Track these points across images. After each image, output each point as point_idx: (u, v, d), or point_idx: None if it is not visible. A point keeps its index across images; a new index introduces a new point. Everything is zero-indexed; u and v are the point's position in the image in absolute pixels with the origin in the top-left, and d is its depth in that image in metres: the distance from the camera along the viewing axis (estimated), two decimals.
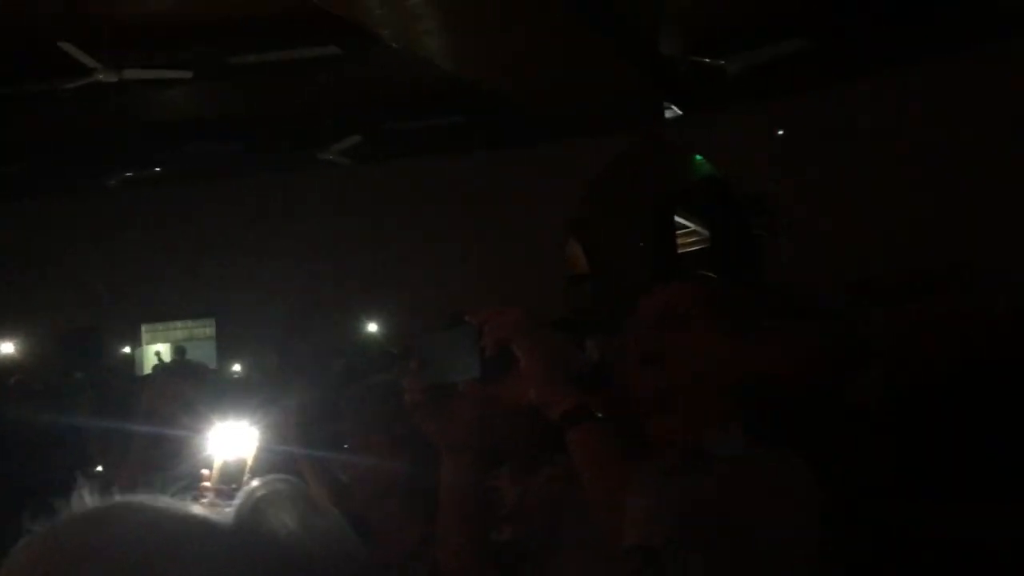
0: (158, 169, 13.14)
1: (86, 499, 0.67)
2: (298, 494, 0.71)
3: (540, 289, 12.44)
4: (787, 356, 2.23)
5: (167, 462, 1.97)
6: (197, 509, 0.68)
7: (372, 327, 12.57)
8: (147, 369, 12.98)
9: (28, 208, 14.14)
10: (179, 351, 13.07)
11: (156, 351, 13.77)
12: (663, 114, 12.31)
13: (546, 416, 1.40)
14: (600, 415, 1.39)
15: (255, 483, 0.71)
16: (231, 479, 1.61)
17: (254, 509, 0.68)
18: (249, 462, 1.64)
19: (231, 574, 0.64)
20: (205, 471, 1.62)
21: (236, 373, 10.59)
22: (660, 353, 1.52)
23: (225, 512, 0.68)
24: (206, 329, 14.93)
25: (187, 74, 8.70)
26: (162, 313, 14.88)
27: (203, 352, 13.61)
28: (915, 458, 2.21)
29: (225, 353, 13.63)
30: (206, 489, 1.60)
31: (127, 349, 14.47)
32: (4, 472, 4.60)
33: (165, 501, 0.68)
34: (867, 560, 1.94)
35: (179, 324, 15.12)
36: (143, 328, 15.06)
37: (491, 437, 1.62)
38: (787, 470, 1.41)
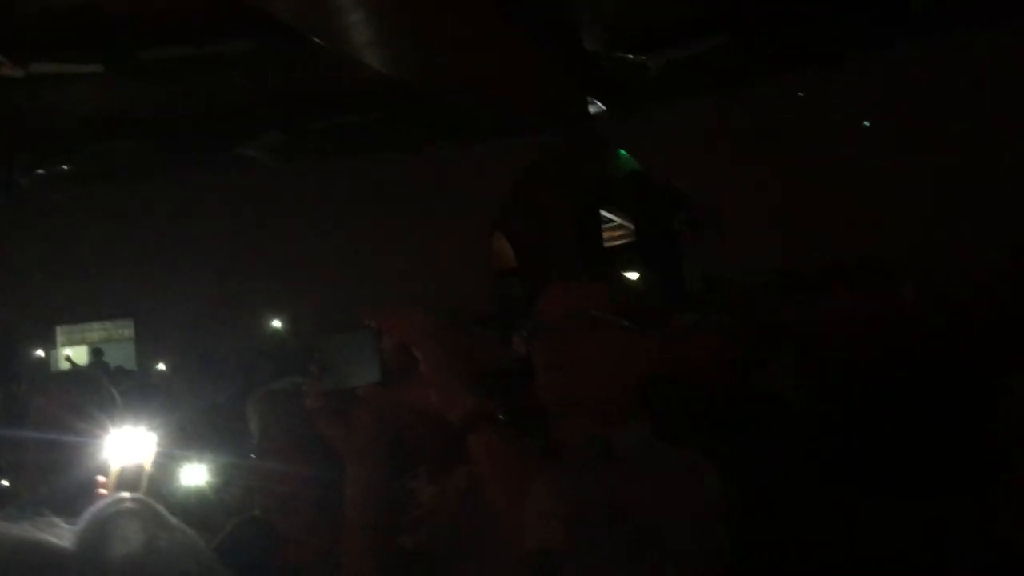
0: (71, 167, 12.69)
1: None
2: (146, 512, 0.69)
3: (468, 286, 12.42)
4: (695, 354, 2.27)
5: (62, 469, 1.91)
6: (36, 533, 0.65)
7: (294, 328, 12.38)
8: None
9: None
10: (96, 353, 12.71)
11: (66, 355, 13.36)
12: (587, 110, 12.39)
13: (448, 419, 1.38)
14: (502, 417, 1.38)
15: (101, 503, 0.69)
16: (129, 485, 1.57)
17: (96, 530, 0.65)
18: (147, 468, 1.60)
19: None
20: (101, 478, 1.57)
21: (161, 373, 10.34)
22: (563, 357, 1.52)
23: (67, 534, 0.65)
24: (124, 330, 14.52)
25: (97, 68, 8.42)
26: (78, 314, 14.42)
27: (122, 353, 13.24)
28: (827, 448, 2.26)
29: (145, 354, 13.27)
30: (101, 496, 1.55)
31: (41, 352, 13.97)
32: None
33: (2, 525, 0.65)
34: (778, 553, 1.97)
35: (96, 325, 14.66)
36: (58, 330, 14.57)
37: (395, 441, 1.60)
38: (691, 468, 1.42)
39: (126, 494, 0.70)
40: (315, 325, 11.74)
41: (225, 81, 9.85)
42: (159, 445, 1.62)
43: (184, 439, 2.65)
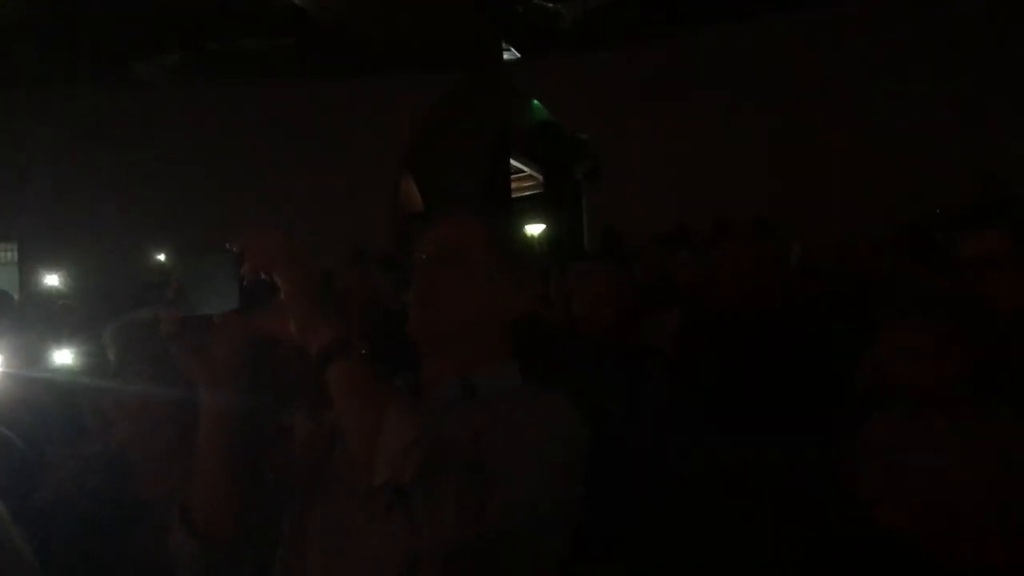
0: None
1: None
2: None
3: (371, 225, 12.26)
4: (582, 301, 2.28)
5: None
6: None
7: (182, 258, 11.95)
8: None
9: None
10: None
11: None
12: (501, 56, 12.25)
13: (306, 349, 1.33)
14: (362, 350, 1.33)
15: None
16: None
17: None
18: None
19: None
20: None
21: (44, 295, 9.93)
22: (433, 294, 1.49)
23: None
24: (7, 253, 13.89)
25: None
26: None
27: (6, 276, 12.69)
28: (704, 392, 2.30)
29: (29, 279, 12.71)
30: None
31: None
32: None
33: None
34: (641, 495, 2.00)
35: None
36: None
37: (259, 372, 1.54)
38: (548, 407, 1.41)
39: None
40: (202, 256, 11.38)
41: None
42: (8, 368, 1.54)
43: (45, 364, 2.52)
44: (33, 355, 2.09)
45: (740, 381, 2.13)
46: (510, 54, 12.34)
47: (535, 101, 13.48)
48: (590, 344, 2.23)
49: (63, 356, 2.42)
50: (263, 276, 1.32)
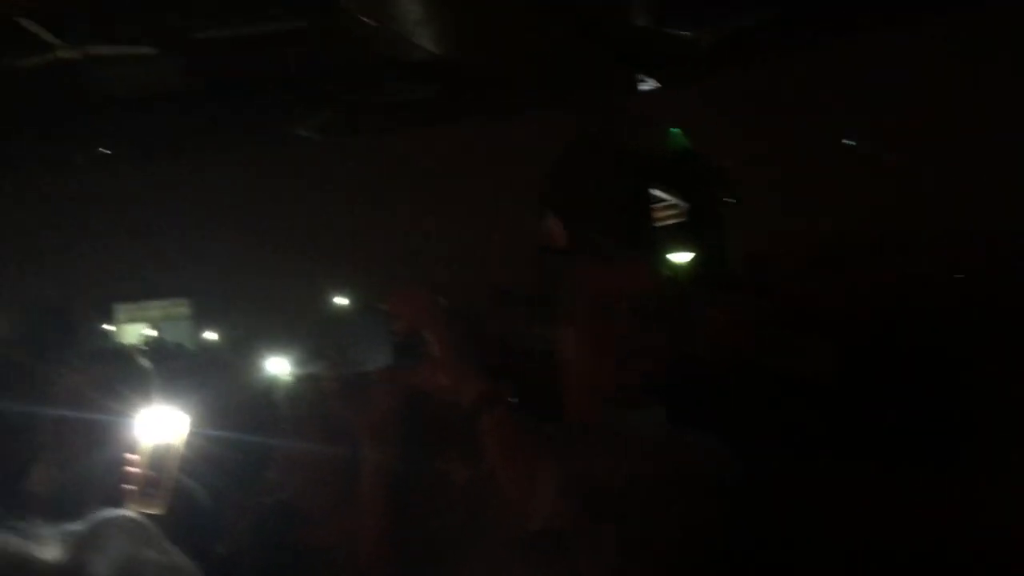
0: (126, 145, 12.94)
1: None
2: (137, 530, 0.68)
3: (516, 264, 12.40)
4: (716, 338, 2.23)
5: (89, 448, 1.95)
6: (20, 545, 0.63)
7: (345, 305, 12.50)
8: None
9: None
10: (154, 331, 12.98)
11: (142, 332, 13.60)
12: (636, 87, 12.25)
13: (458, 402, 1.38)
14: (512, 400, 1.37)
15: (91, 518, 0.67)
16: (159, 465, 1.59)
17: (82, 546, 0.64)
18: (178, 448, 1.61)
19: None
20: (131, 456, 1.59)
21: (210, 350, 10.53)
22: (587, 341, 1.50)
23: (54, 546, 0.64)
24: (181, 308, 14.81)
25: (150, 49, 8.56)
26: (136, 293, 14.75)
27: (179, 332, 13.50)
28: (858, 430, 2.20)
29: (201, 333, 13.53)
30: (132, 475, 1.58)
31: (101, 329, 14.34)
32: None
33: None
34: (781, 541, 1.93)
35: (154, 303, 14.98)
36: (117, 308, 14.92)
37: (415, 424, 1.60)
38: (700, 452, 1.40)
39: (156, 508, 0.69)
40: (363, 304, 11.87)
41: (276, 59, 9.95)
42: (193, 425, 1.63)
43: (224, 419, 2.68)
44: (212, 407, 2.23)
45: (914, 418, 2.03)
46: (647, 84, 12.31)
47: (674, 129, 13.39)
48: (737, 379, 2.18)
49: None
50: (414, 333, 1.38)
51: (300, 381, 1.92)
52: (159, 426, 1.62)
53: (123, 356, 2.16)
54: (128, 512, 0.69)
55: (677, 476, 1.34)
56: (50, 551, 0.63)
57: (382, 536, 1.50)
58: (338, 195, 13.40)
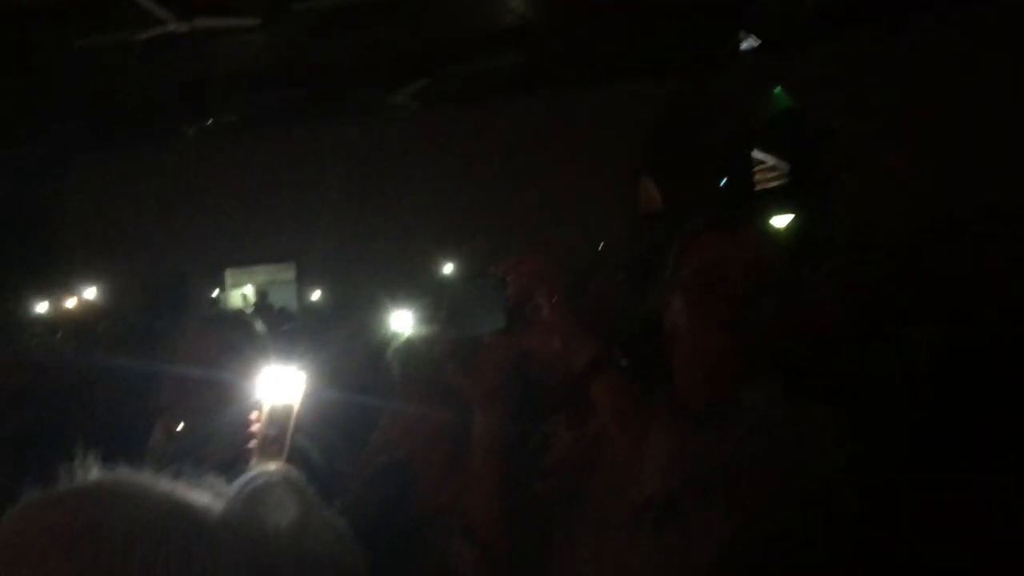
0: (233, 117, 13.34)
1: (85, 471, 0.66)
2: (297, 488, 0.69)
3: (614, 230, 12.34)
4: (827, 308, 2.17)
5: (214, 406, 2.03)
6: (189, 495, 0.65)
7: (446, 272, 12.66)
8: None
9: (111, 159, 14.60)
10: (261, 295, 13.42)
11: (242, 293, 14.10)
12: (739, 47, 11.94)
13: (572, 366, 1.39)
14: (624, 365, 1.37)
15: (253, 473, 0.69)
16: (278, 424, 1.65)
17: (247, 502, 0.65)
18: (296, 407, 1.67)
19: (211, 570, 0.61)
20: (254, 415, 1.66)
21: (316, 312, 10.85)
22: (703, 314, 1.48)
23: (219, 499, 0.66)
24: (286, 273, 15.27)
25: (255, 21, 8.77)
26: (244, 258, 15.26)
27: (285, 295, 13.92)
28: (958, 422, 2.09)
29: (305, 297, 13.95)
30: (254, 433, 1.65)
31: (213, 293, 14.94)
32: (94, 414, 4.83)
33: (157, 484, 0.65)
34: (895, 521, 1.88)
35: (261, 268, 15.49)
36: (227, 272, 15.49)
37: (530, 387, 1.62)
38: (817, 428, 1.38)
39: (276, 465, 0.71)
40: (463, 270, 12.02)
41: (374, 29, 10.06)
42: (309, 384, 1.69)
43: (339, 378, 2.76)
44: (326, 368, 2.31)
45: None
46: (749, 43, 11.99)
47: (777, 90, 13.01)
48: (847, 353, 2.12)
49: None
50: (526, 298, 1.39)
51: (413, 345, 1.95)
52: (278, 385, 1.67)
53: (243, 319, 2.23)
54: (288, 470, 0.71)
55: (791, 452, 1.32)
56: (218, 503, 0.65)
57: (492, 498, 1.53)
58: (436, 162, 13.55)
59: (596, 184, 12.92)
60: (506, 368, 1.48)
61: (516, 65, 11.64)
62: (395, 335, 2.39)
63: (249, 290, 14.17)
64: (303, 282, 14.67)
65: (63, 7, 8.53)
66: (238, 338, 2.15)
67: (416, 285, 11.09)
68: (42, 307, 11.26)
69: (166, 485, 0.66)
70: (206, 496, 0.66)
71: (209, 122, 13.40)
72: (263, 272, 15.38)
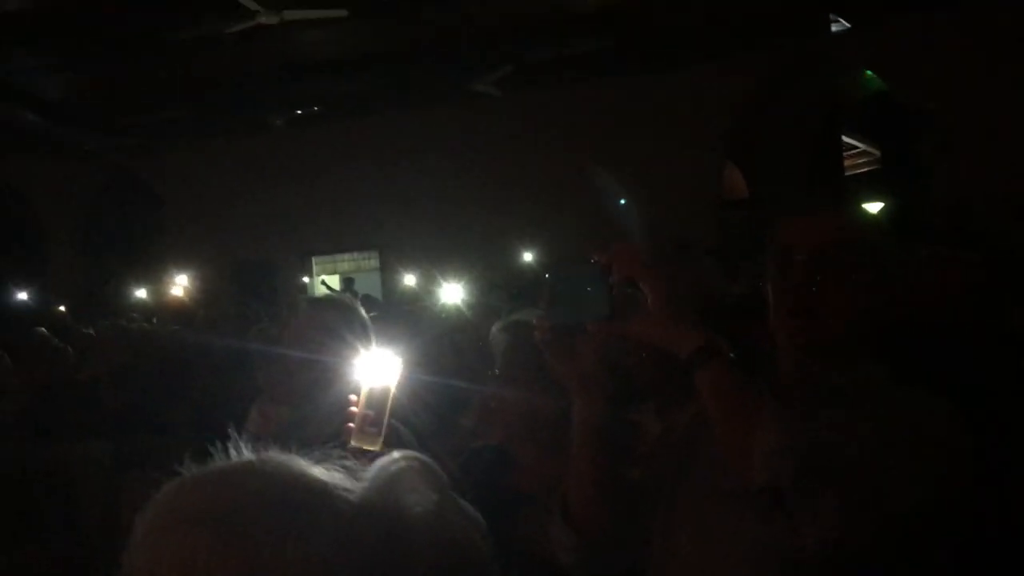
0: (320, 106, 13.57)
1: (236, 451, 0.68)
2: (432, 475, 0.70)
3: (695, 215, 12.19)
4: (933, 291, 2.10)
5: (316, 388, 2.08)
6: (330, 476, 0.66)
7: (528, 258, 12.69)
8: None
9: (200, 149, 15.04)
10: (347, 282, 13.67)
11: (322, 280, 14.42)
12: (827, 26, 11.61)
13: (675, 354, 1.38)
14: (730, 353, 1.36)
15: (391, 457, 0.70)
16: (376, 406, 1.69)
17: (385, 486, 0.67)
18: (392, 390, 1.71)
19: (351, 552, 0.62)
20: (353, 397, 1.71)
21: (405, 297, 11.01)
22: (807, 299, 1.45)
23: (358, 482, 0.67)
24: (371, 261, 15.53)
25: (342, 12, 8.90)
26: (330, 246, 15.57)
27: (369, 283, 14.17)
28: None
29: (389, 284, 14.16)
30: (353, 413, 1.69)
31: (302, 279, 15.30)
32: (191, 395, 5.01)
33: (301, 465, 0.67)
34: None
35: (346, 256, 15.79)
36: (313, 260, 15.83)
37: (620, 375, 1.62)
38: (929, 414, 1.34)
39: (407, 452, 0.72)
40: (546, 256, 12.04)
41: (458, 16, 10.11)
42: (403, 368, 1.73)
43: (428, 363, 2.80)
44: (423, 352, 2.35)
45: None
46: (838, 25, 11.66)
47: (868, 72, 12.62)
48: (955, 339, 2.05)
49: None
50: (630, 285, 1.39)
51: (512, 331, 1.96)
52: (375, 368, 1.71)
53: (348, 304, 2.28)
54: (421, 455, 0.72)
55: (904, 439, 1.29)
56: (356, 488, 0.66)
57: (592, 484, 1.54)
58: (520, 148, 13.56)
59: (681, 169, 12.76)
60: (605, 356, 1.48)
61: (601, 49, 11.56)
62: (486, 320, 2.41)
63: (329, 279, 14.47)
64: (387, 270, 14.90)
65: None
66: (343, 323, 2.20)
67: (499, 271, 11.19)
68: (141, 292, 11.69)
69: (310, 467, 0.67)
70: (347, 479, 0.67)
71: (297, 111, 13.66)
72: (349, 260, 15.68)
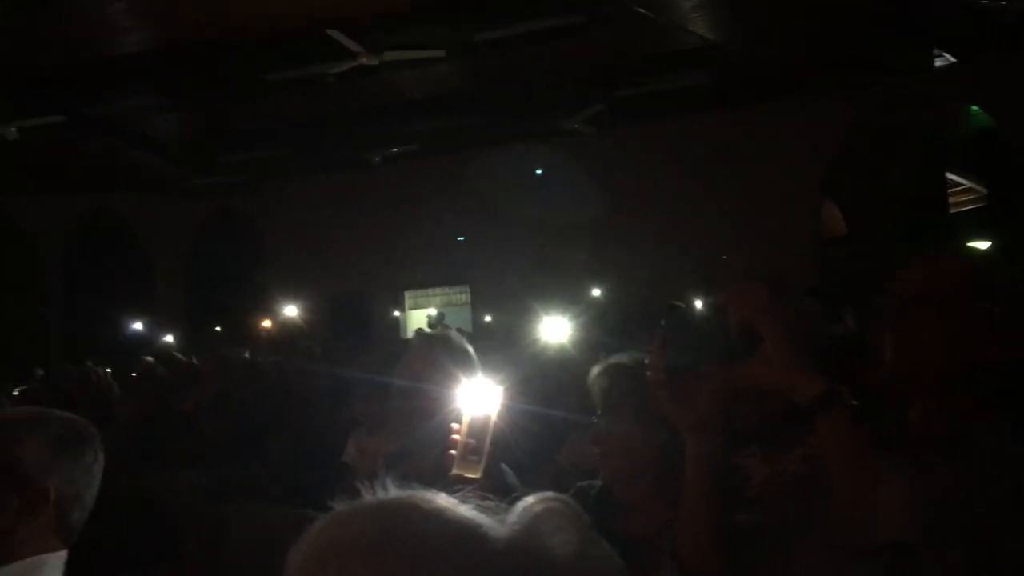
0: (415, 144, 13.84)
1: (383, 487, 0.69)
2: (575, 517, 0.69)
3: (792, 254, 11.95)
4: None
5: (422, 419, 2.10)
6: (476, 515, 0.67)
7: (616, 296, 12.61)
8: (410, 331, 13.84)
9: (300, 186, 15.49)
10: (439, 316, 13.83)
11: (428, 315, 14.54)
12: (931, 62, 11.31)
13: (793, 400, 1.35)
14: (853, 401, 1.31)
15: (532, 499, 0.70)
16: (478, 435, 1.70)
17: (532, 527, 0.66)
18: (493, 418, 1.72)
19: None
20: (455, 425, 1.72)
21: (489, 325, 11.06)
22: (918, 340, 1.40)
23: (501, 522, 0.67)
24: (461, 295, 15.67)
25: (440, 53, 9.09)
26: (422, 280, 15.78)
27: (459, 317, 14.29)
28: None
29: (479, 318, 14.26)
30: (455, 443, 1.70)
31: (394, 313, 15.56)
32: (289, 426, 5.11)
33: (448, 504, 0.67)
34: None
35: (437, 291, 15.98)
36: (406, 294, 16.07)
37: (733, 419, 1.59)
38: None
39: (549, 493, 0.71)
40: (635, 294, 11.94)
41: (551, 56, 10.21)
42: (504, 398, 1.73)
43: (526, 396, 2.79)
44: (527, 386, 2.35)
45: None
46: (942, 60, 11.34)
47: (973, 107, 12.23)
48: None
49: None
50: (747, 328, 1.36)
51: (618, 368, 1.94)
52: (477, 397, 1.72)
53: (454, 340, 2.30)
54: (563, 496, 0.72)
55: (1019, 495, 1.22)
56: (501, 527, 0.66)
57: (704, 528, 1.50)
58: (612, 184, 13.54)
59: (778, 206, 12.54)
60: (720, 398, 1.45)
61: (696, 85, 11.50)
62: (587, 358, 2.39)
63: (420, 313, 14.63)
64: (478, 305, 15.02)
65: (264, 43, 9.15)
66: (455, 359, 2.22)
67: (590, 308, 11.15)
68: (242, 324, 12.05)
69: (456, 505, 0.68)
70: (491, 519, 0.67)
71: (394, 149, 13.97)
72: (440, 294, 15.87)
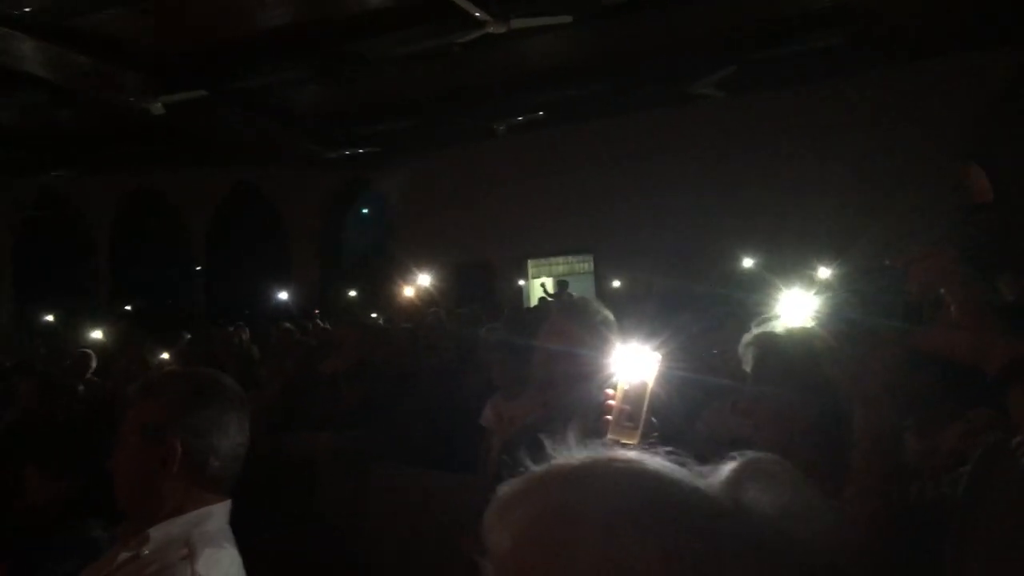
0: (542, 112, 13.79)
1: (570, 447, 0.68)
2: (787, 474, 0.68)
3: (933, 219, 11.39)
4: None
5: (567, 385, 2.09)
6: (685, 473, 0.65)
7: (747, 264, 12.32)
8: (533, 300, 13.91)
9: (427, 157, 15.71)
10: (561, 285, 13.83)
11: (542, 283, 14.60)
12: None
13: (981, 369, 1.27)
14: None
15: (743, 457, 0.69)
16: (634, 401, 1.68)
17: (743, 485, 0.65)
18: (650, 385, 1.69)
19: (720, 552, 0.61)
20: (609, 391, 1.70)
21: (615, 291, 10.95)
22: None
23: (709, 481, 0.66)
24: (584, 264, 15.62)
25: (567, 18, 8.98)
26: (545, 249, 15.81)
27: (582, 286, 14.25)
28: None
29: (602, 287, 14.19)
30: (611, 407, 1.69)
31: (518, 282, 15.66)
32: (420, 389, 5.23)
33: (648, 462, 0.66)
34: None
35: (560, 259, 15.97)
36: (529, 263, 16.13)
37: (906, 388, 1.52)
38: None
39: (759, 453, 0.70)
40: (767, 263, 11.64)
41: (680, 19, 9.97)
42: (661, 364, 1.70)
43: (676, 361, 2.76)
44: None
45: None
46: None
47: None
48: None
49: None
50: (931, 293, 1.29)
51: (761, 342, 1.88)
52: (633, 364, 1.69)
53: (592, 307, 2.28)
54: (774, 455, 0.70)
55: None
56: (708, 484, 0.65)
57: (874, 498, 1.44)
58: (738, 151, 13.21)
59: (918, 171, 11.96)
60: (897, 366, 1.39)
61: (828, 47, 11.04)
62: (740, 323, 2.34)
63: (544, 282, 14.66)
64: (601, 273, 14.94)
65: (392, 15, 9.27)
66: (593, 326, 2.22)
67: (713, 279, 10.94)
68: (375, 292, 12.36)
69: (658, 464, 0.66)
70: (695, 477, 0.66)
71: (519, 118, 13.96)
72: (563, 263, 15.86)
